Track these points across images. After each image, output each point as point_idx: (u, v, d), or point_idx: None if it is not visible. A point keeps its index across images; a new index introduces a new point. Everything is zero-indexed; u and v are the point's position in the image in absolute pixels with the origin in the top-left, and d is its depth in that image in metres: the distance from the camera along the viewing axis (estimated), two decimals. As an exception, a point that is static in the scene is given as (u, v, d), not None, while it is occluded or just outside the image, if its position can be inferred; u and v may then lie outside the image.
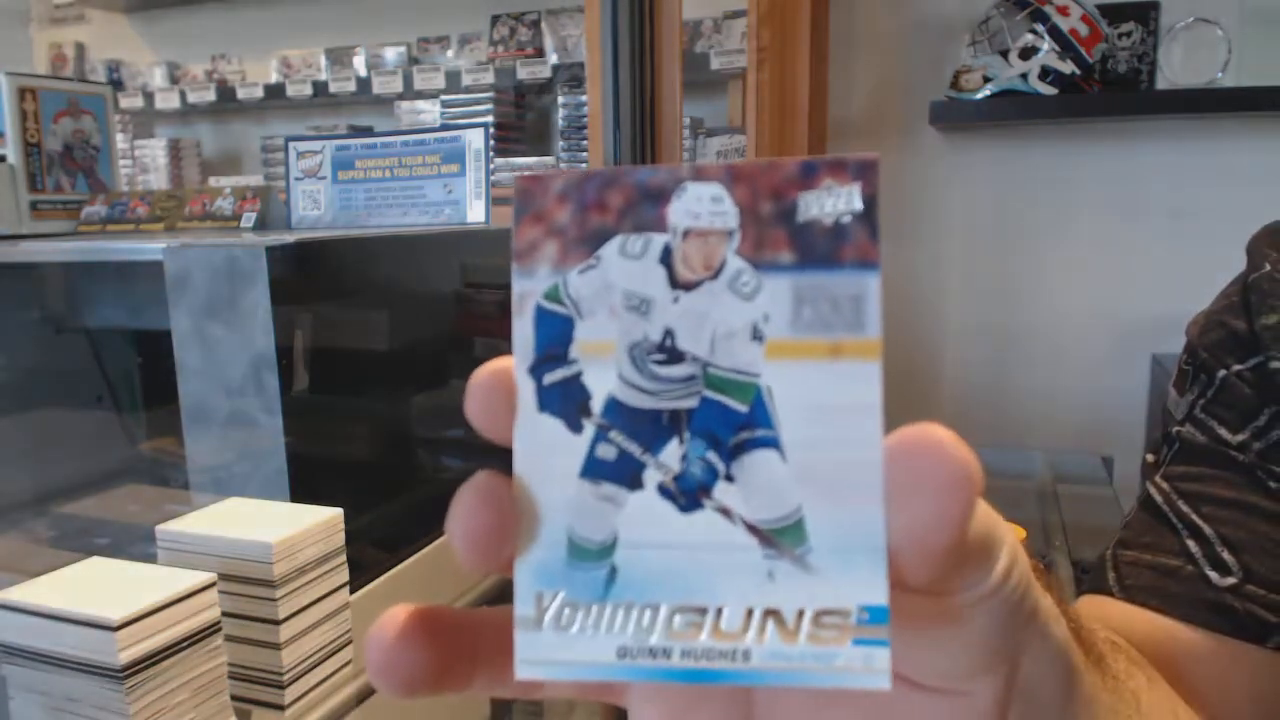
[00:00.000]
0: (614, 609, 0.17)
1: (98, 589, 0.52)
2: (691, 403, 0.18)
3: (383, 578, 0.75)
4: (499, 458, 0.19)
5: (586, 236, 0.18)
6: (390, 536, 0.80)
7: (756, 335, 0.17)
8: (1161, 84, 1.58)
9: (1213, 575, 0.40)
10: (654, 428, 0.18)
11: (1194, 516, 0.41)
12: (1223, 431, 0.42)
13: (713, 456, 0.18)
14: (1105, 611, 0.42)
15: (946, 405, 1.84)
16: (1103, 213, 1.74)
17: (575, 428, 0.18)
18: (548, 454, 0.18)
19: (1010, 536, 0.19)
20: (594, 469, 0.18)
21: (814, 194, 0.17)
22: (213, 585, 0.53)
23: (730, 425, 0.18)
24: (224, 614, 0.55)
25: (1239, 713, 0.39)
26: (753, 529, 0.17)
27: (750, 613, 0.17)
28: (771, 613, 0.17)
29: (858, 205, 0.17)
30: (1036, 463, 1.56)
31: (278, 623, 0.58)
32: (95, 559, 0.56)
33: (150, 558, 0.58)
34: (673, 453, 0.18)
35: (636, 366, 0.18)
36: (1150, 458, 0.46)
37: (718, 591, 0.17)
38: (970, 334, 1.85)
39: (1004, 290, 1.82)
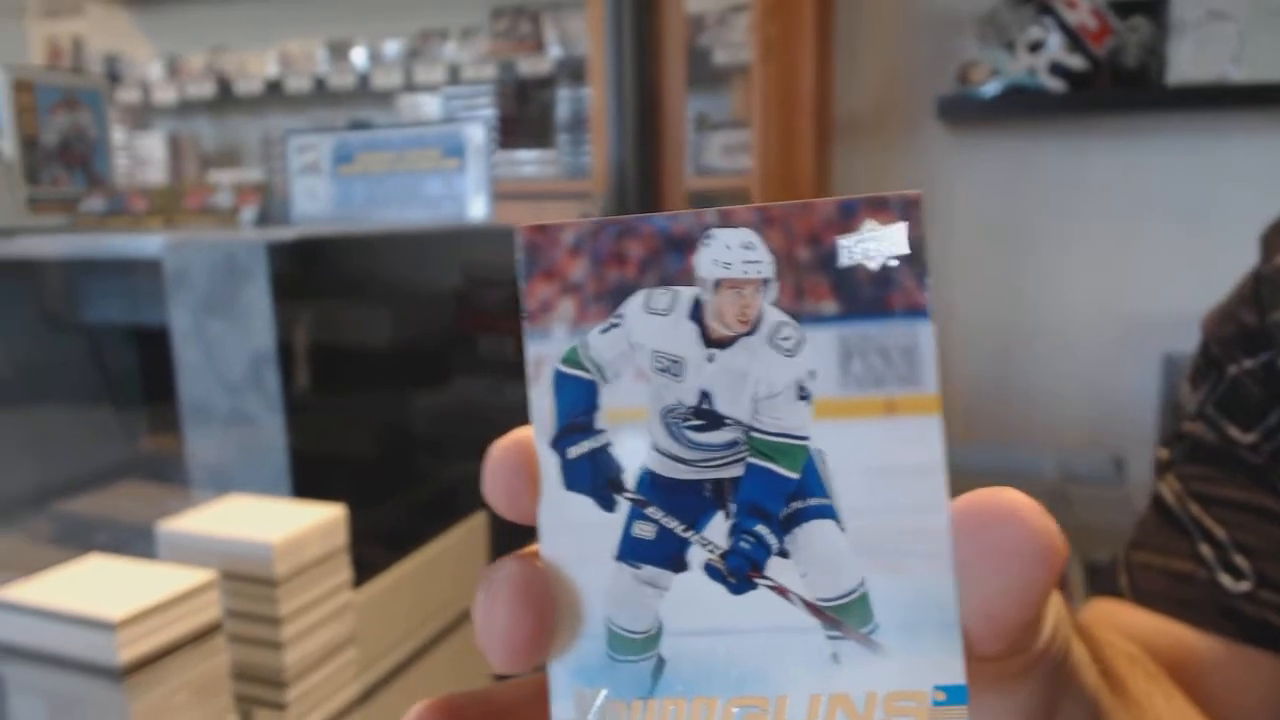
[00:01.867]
0: (663, 705, 0.16)
1: (98, 587, 0.51)
2: (735, 471, 0.16)
3: (387, 574, 0.74)
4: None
5: (606, 292, 0.17)
6: (394, 533, 0.80)
7: (803, 394, 0.16)
8: (1172, 78, 1.57)
9: (1225, 580, 0.39)
10: (696, 501, 0.17)
11: (1206, 519, 0.41)
12: (1233, 431, 0.41)
13: (763, 530, 0.16)
14: (1118, 615, 0.42)
15: (956, 404, 1.83)
16: (1113, 209, 1.72)
17: (607, 505, 0.16)
18: (578, 536, 0.16)
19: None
20: (632, 550, 0.16)
21: (855, 237, 0.16)
22: (214, 584, 0.53)
23: (780, 494, 0.16)
24: (226, 612, 0.54)
25: (1254, 719, 0.38)
26: (813, 608, 0.16)
27: (816, 700, 0.16)
28: (839, 699, 0.16)
29: (904, 247, 0.16)
30: (1047, 463, 1.55)
31: (279, 621, 0.57)
32: (95, 557, 0.55)
33: (151, 556, 0.58)
34: (718, 528, 0.16)
35: (671, 434, 0.17)
36: (1163, 454, 0.45)
37: (778, 679, 0.16)
38: (979, 331, 1.84)
39: (1013, 287, 1.81)
